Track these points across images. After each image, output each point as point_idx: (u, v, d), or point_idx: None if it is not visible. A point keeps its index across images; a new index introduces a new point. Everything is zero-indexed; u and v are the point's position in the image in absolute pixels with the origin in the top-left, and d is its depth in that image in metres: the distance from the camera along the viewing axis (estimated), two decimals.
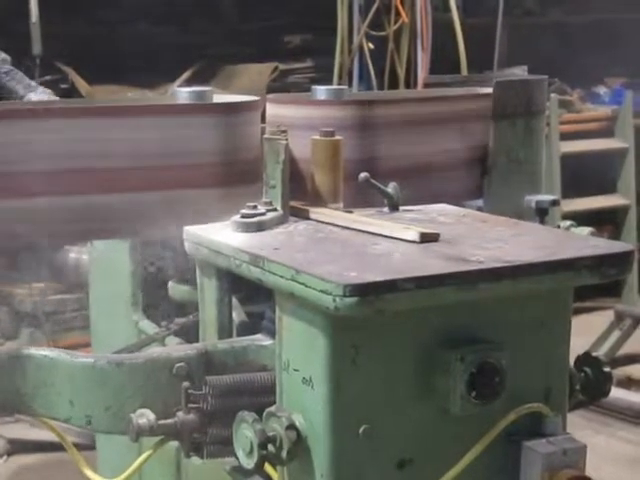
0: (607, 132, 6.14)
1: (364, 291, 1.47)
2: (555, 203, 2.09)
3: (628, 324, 4.81)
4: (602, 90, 6.41)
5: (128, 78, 4.07)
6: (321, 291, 1.48)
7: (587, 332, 3.82)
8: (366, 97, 2.66)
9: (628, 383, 4.44)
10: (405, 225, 1.79)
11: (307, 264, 1.55)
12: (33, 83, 3.07)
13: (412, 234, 1.74)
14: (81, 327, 2.40)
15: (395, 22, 5.10)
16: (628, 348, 4.79)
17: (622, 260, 1.72)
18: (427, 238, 1.74)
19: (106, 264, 2.23)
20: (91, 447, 2.35)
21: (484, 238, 1.78)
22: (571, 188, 5.09)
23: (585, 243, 1.80)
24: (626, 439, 4.10)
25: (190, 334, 1.93)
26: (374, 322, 1.54)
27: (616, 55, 6.10)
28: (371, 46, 5.10)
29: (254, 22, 5.46)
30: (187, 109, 1.93)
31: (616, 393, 4.08)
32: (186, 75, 4.73)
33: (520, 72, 4.76)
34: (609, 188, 6.16)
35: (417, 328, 1.59)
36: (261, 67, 4.93)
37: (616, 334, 4.77)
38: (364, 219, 1.86)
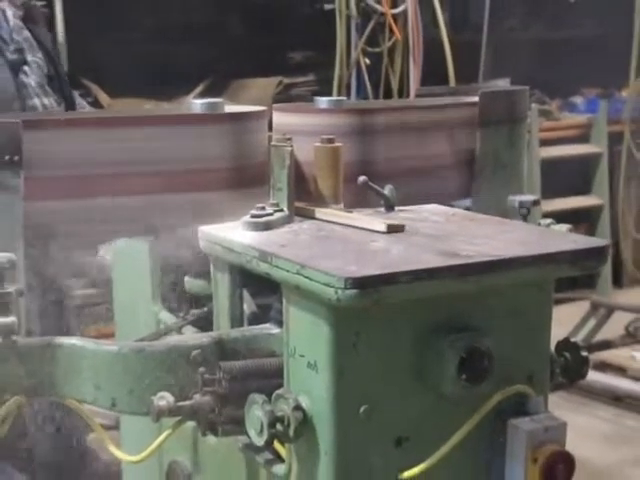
0: (583, 138, 6.14)
1: (363, 284, 1.47)
2: (536, 203, 2.08)
3: (602, 313, 4.81)
4: (578, 100, 6.41)
5: (145, 92, 4.07)
6: (324, 284, 1.48)
7: (565, 321, 3.80)
8: (363, 106, 2.65)
9: (603, 367, 4.44)
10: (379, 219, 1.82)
11: (311, 259, 1.55)
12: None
13: (381, 226, 1.78)
14: (106, 319, 2.40)
15: (389, 39, 5.11)
16: (603, 335, 4.79)
17: (598, 254, 1.72)
18: (393, 229, 1.78)
19: (128, 262, 2.23)
20: (115, 427, 2.34)
21: (472, 235, 1.78)
22: (550, 189, 5.09)
23: (564, 239, 1.80)
24: (602, 418, 4.11)
25: (205, 324, 1.93)
26: (373, 312, 1.54)
27: (591, 68, 6.10)
28: (367, 61, 5.10)
29: (260, 40, 5.45)
30: (202, 119, 1.93)
31: (592, 376, 4.07)
32: (199, 88, 4.74)
33: (503, 84, 4.77)
34: (585, 189, 6.16)
35: (412, 317, 1.59)
36: (267, 81, 4.93)
37: (592, 322, 4.77)
38: (347, 215, 1.89)
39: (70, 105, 3.27)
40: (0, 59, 3.06)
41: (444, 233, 1.79)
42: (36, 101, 3.13)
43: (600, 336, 4.79)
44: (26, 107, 3.06)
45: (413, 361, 1.60)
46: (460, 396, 1.60)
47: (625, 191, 6.13)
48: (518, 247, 1.69)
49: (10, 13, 3.17)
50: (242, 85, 5.01)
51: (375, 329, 1.57)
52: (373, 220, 1.83)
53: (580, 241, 1.76)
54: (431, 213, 1.99)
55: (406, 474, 1.59)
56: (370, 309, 1.53)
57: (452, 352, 1.57)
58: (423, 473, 1.59)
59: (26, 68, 3.11)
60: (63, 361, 1.69)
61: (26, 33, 3.19)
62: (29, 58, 3.14)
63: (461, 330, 1.60)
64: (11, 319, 1.64)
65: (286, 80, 4.98)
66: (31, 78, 3.12)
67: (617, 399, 4.28)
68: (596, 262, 1.73)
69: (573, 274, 1.71)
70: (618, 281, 6.12)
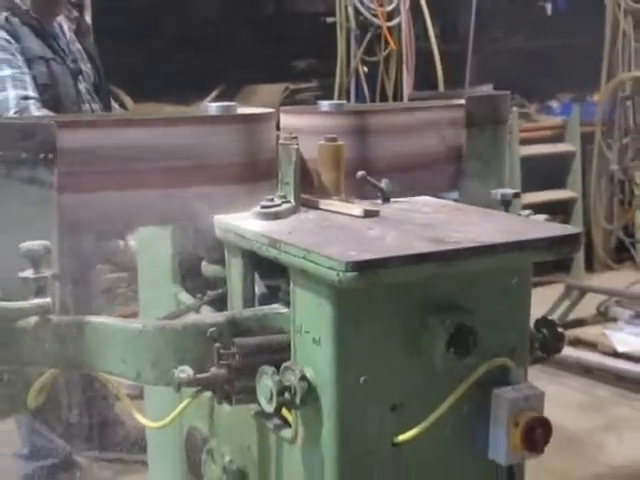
0: (558, 138, 6.14)
1: (362, 267, 1.47)
2: (516, 195, 2.07)
3: (576, 295, 4.82)
4: (554, 104, 6.41)
5: (165, 97, 4.06)
6: (327, 267, 1.49)
7: (543, 302, 3.80)
8: (361, 109, 2.65)
9: (576, 343, 4.45)
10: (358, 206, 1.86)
11: (315, 246, 1.55)
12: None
13: (358, 210, 1.82)
14: (131, 300, 2.40)
15: (385, 49, 5.10)
16: (576, 314, 4.80)
17: (573, 240, 1.72)
18: (369, 214, 1.81)
19: (151, 248, 2.23)
20: (140, 397, 2.34)
21: (460, 223, 1.78)
22: (529, 184, 5.08)
23: (542, 227, 1.80)
24: (575, 388, 4.11)
25: (220, 304, 1.93)
26: (371, 292, 1.54)
27: (566, 75, 6.10)
28: (365, 69, 5.09)
29: (268, 50, 5.45)
30: (218, 119, 1.93)
31: (566, 351, 4.07)
32: (214, 94, 4.73)
33: (487, 89, 4.74)
34: (560, 184, 6.16)
35: (406, 297, 1.59)
36: (274, 87, 4.92)
37: (566, 303, 4.78)
38: (336, 203, 1.90)
39: (109, 110, 3.28)
40: (64, 67, 3.07)
41: (434, 222, 1.79)
42: (87, 107, 3.14)
43: (574, 315, 4.79)
44: (82, 110, 3.06)
45: (407, 336, 1.60)
46: (449, 368, 1.60)
47: (596, 186, 6.13)
48: (500, 234, 1.69)
49: (66, 27, 3.19)
50: (252, 91, 5.00)
51: (373, 308, 1.57)
52: (353, 207, 1.85)
53: (556, 229, 1.76)
54: (422, 204, 1.99)
55: (400, 437, 1.60)
56: (368, 290, 1.53)
57: (442, 329, 1.57)
58: (416, 436, 1.60)
59: (81, 78, 3.12)
60: (93, 338, 1.69)
61: (78, 45, 3.20)
62: (83, 68, 3.15)
63: (450, 309, 1.61)
64: (46, 300, 1.65)
65: (292, 86, 4.97)
66: (83, 85, 3.13)
67: (588, 371, 4.28)
68: (570, 248, 1.73)
69: (550, 259, 1.71)
70: (590, 266, 6.11)
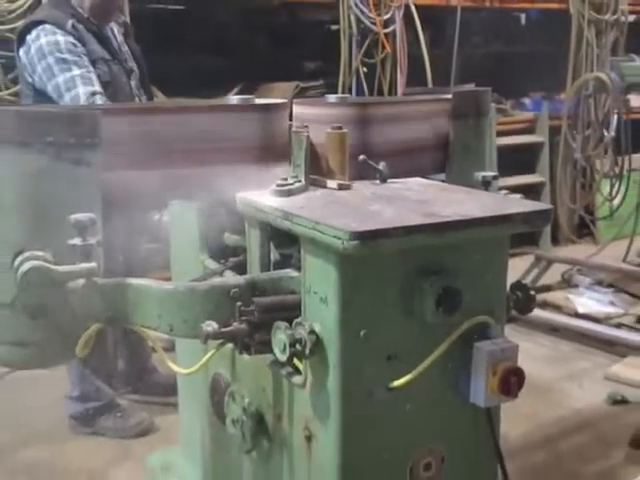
0: (530, 130, 6.12)
1: (363, 237, 1.46)
2: (495, 178, 2.06)
3: (544, 265, 4.81)
4: (527, 101, 6.38)
5: (192, 93, 4.03)
6: (333, 237, 1.48)
7: (515, 270, 3.78)
8: (362, 101, 2.64)
9: (544, 305, 4.45)
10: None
11: (323, 218, 1.54)
12: None
13: (333, 184, 1.87)
14: (164, 267, 2.40)
15: (382, 52, 5.08)
16: (544, 281, 4.80)
17: (544, 215, 1.71)
18: (342, 187, 1.86)
19: (181, 220, 2.22)
20: (172, 349, 2.34)
21: (447, 200, 1.77)
22: (504, 169, 5.05)
23: (518, 204, 1.79)
24: (542, 344, 4.12)
25: (241, 269, 1.93)
26: (371, 258, 1.54)
27: (537, 76, 6.08)
28: (365, 70, 5.07)
29: (282, 53, 5.42)
30: (240, 108, 1.91)
31: (535, 312, 4.08)
32: (235, 90, 4.70)
33: (469, 87, 4.74)
34: (531, 170, 6.15)
35: (401, 263, 1.59)
36: (287, 85, 4.89)
37: (535, 271, 4.77)
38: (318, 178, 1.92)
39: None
40: (120, 67, 3.09)
41: (425, 199, 1.78)
42: (137, 100, 3.15)
43: (542, 282, 4.78)
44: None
45: (401, 297, 1.60)
46: (437, 324, 1.59)
47: (562, 171, 6.11)
48: (483, 210, 1.68)
49: (116, 30, 3.18)
50: (267, 88, 4.97)
51: (372, 272, 1.57)
52: (332, 182, 1.89)
53: (530, 205, 1.75)
54: (415, 184, 1.98)
55: (394, 383, 1.60)
56: (368, 256, 1.52)
57: (431, 290, 1.57)
58: (408, 383, 1.59)
59: (132, 75, 3.13)
60: (133, 297, 1.69)
61: (125, 46, 3.20)
62: (133, 67, 3.16)
63: (438, 273, 1.60)
64: (93, 264, 1.64)
65: (302, 84, 4.94)
66: (134, 82, 3.14)
67: (554, 330, 4.28)
68: (542, 221, 1.73)
69: (524, 231, 1.70)
70: (555, 240, 6.11)
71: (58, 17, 2.91)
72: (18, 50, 2.97)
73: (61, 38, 2.87)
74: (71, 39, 2.88)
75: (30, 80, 2.95)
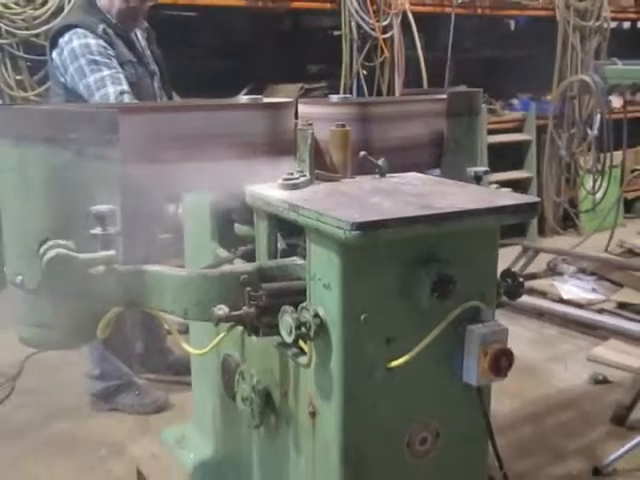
0: (518, 129, 6.11)
1: (364, 227, 1.46)
2: (487, 172, 2.05)
3: (530, 254, 4.81)
4: (515, 101, 6.36)
5: (204, 93, 4.02)
6: (336, 227, 1.48)
7: (504, 259, 3.77)
8: (364, 100, 2.63)
9: (530, 292, 4.44)
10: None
11: (327, 210, 1.54)
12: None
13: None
14: (178, 255, 2.40)
15: (381, 56, 5.07)
16: (530, 269, 4.79)
17: (532, 207, 1.70)
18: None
19: (194, 212, 2.21)
20: (186, 332, 2.34)
21: (442, 193, 1.76)
22: (495, 165, 5.06)
23: (508, 196, 1.78)
24: (528, 328, 4.13)
25: (249, 257, 1.92)
26: (371, 247, 1.53)
27: (525, 79, 6.07)
28: (365, 72, 5.05)
29: (287, 56, 5.41)
30: (249, 106, 1.91)
31: (523, 298, 4.08)
32: (244, 91, 4.69)
33: (462, 89, 4.74)
34: (519, 166, 6.13)
35: (399, 251, 1.58)
36: (292, 86, 4.88)
37: (523, 260, 4.77)
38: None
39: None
40: (144, 69, 3.10)
41: (421, 192, 1.77)
42: (158, 100, 3.16)
43: (529, 270, 4.78)
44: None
45: (399, 283, 1.59)
46: (432, 309, 1.59)
47: (548, 167, 6.10)
48: (475, 202, 1.67)
49: (140, 35, 3.18)
50: (274, 89, 4.96)
51: (372, 260, 1.56)
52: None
53: (519, 198, 1.74)
54: (412, 178, 1.97)
55: (393, 364, 1.59)
56: (369, 245, 1.51)
57: (427, 277, 1.57)
58: (405, 363, 1.59)
59: (155, 77, 3.14)
60: (150, 282, 1.69)
61: (148, 50, 3.20)
62: (155, 70, 3.17)
63: (433, 261, 1.59)
64: (112, 252, 1.64)
65: (306, 86, 4.92)
66: (156, 84, 3.14)
67: (540, 315, 4.28)
68: (530, 213, 1.71)
69: (513, 222, 1.70)
70: (542, 231, 6.10)
71: (90, 22, 2.93)
72: (51, 52, 2.98)
73: (92, 41, 2.88)
74: (102, 42, 2.90)
75: (62, 80, 2.96)
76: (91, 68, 2.85)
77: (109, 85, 2.83)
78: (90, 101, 2.87)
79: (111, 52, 2.91)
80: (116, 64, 2.91)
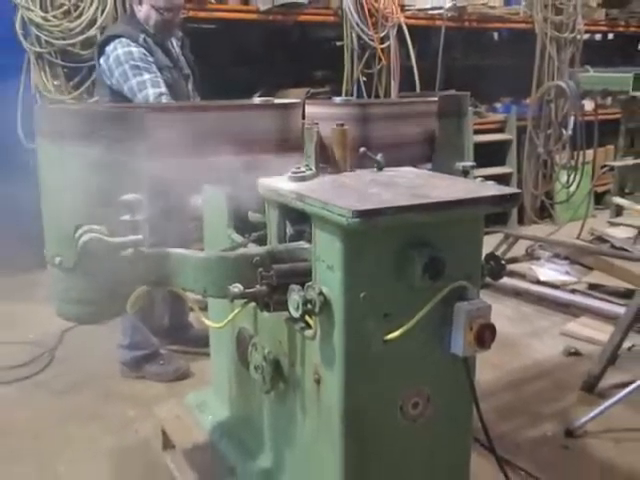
0: (500, 129, 6.08)
1: (364, 215, 1.45)
2: (473, 167, 2.05)
3: (511, 241, 4.78)
4: (498, 105, 6.32)
5: (222, 97, 4.00)
6: (339, 215, 1.47)
7: (487, 246, 3.77)
8: (364, 102, 2.62)
9: (510, 274, 4.42)
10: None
11: (330, 199, 1.53)
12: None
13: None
14: (198, 240, 2.38)
15: (378, 64, 5.04)
16: (511, 254, 4.76)
17: (514, 198, 1.69)
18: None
19: (212, 202, 2.20)
20: (205, 309, 2.33)
21: (433, 185, 1.75)
22: (480, 161, 5.04)
23: (492, 188, 1.76)
24: (509, 306, 4.12)
25: (261, 241, 1.92)
26: (370, 233, 1.53)
27: (507, 84, 6.05)
28: (364, 78, 5.03)
29: (295, 64, 5.38)
30: (262, 107, 1.91)
31: (504, 280, 4.08)
32: (256, 95, 4.67)
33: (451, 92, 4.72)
34: (501, 162, 6.10)
35: (395, 236, 1.57)
36: (299, 90, 4.85)
37: (504, 246, 4.74)
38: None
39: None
40: (179, 73, 3.12)
41: (415, 184, 1.76)
42: (191, 100, 3.18)
43: (509, 255, 4.76)
44: None
45: (394, 265, 1.58)
46: (424, 287, 1.58)
47: (527, 163, 6.07)
48: (463, 193, 1.65)
49: (175, 43, 3.20)
50: (283, 94, 4.93)
51: (371, 244, 1.55)
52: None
53: (502, 189, 1.72)
54: (407, 172, 1.95)
55: (389, 336, 1.59)
56: (368, 231, 1.51)
57: (420, 259, 1.56)
58: (400, 336, 1.59)
59: (189, 80, 3.15)
60: (173, 264, 1.69)
61: (182, 57, 3.21)
62: (189, 74, 3.17)
63: (425, 245, 1.58)
64: (140, 236, 1.64)
65: (312, 90, 4.90)
66: (190, 86, 3.16)
67: (519, 294, 4.27)
68: (512, 203, 1.70)
69: (497, 211, 1.68)
70: (521, 220, 6.07)
71: (132, 32, 2.97)
72: (98, 58, 3.03)
73: (134, 49, 2.92)
74: (142, 50, 2.93)
75: (108, 83, 2.99)
76: (134, 72, 2.88)
77: (149, 87, 2.86)
78: (134, 101, 2.91)
79: (150, 59, 2.94)
80: (155, 69, 2.94)
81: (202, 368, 3.12)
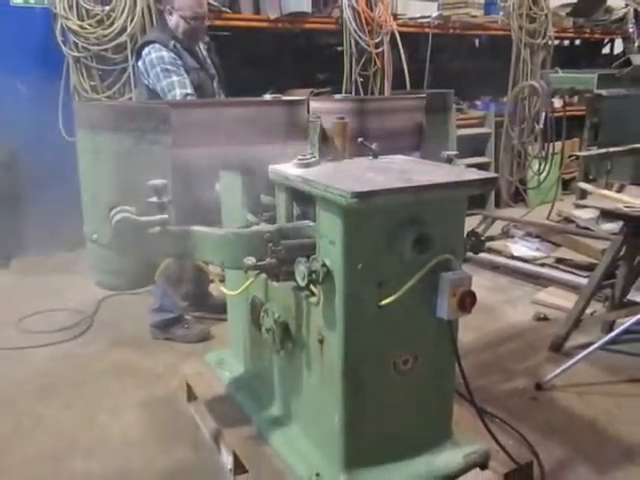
0: (480, 124, 6.01)
1: (361, 196, 1.45)
2: (456, 156, 2.02)
3: (489, 221, 4.76)
4: (478, 103, 6.25)
5: (236, 96, 3.96)
6: (339, 196, 1.46)
7: (468, 225, 3.74)
8: (360, 98, 2.59)
9: (488, 250, 4.39)
10: None
11: (332, 183, 1.52)
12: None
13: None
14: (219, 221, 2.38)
15: (374, 67, 4.98)
16: (489, 233, 4.73)
17: (491, 181, 1.70)
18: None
19: (229, 187, 2.19)
20: (223, 280, 2.32)
21: (422, 171, 1.74)
22: (462, 152, 5.00)
23: (473, 173, 1.75)
24: (487, 278, 4.10)
25: (272, 221, 1.91)
26: (366, 212, 1.52)
27: (487, 84, 5.99)
28: (361, 80, 4.97)
29: (301, 67, 5.33)
30: (272, 103, 1.90)
31: (482, 255, 4.09)
32: (268, 93, 4.63)
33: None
34: (480, 153, 6.04)
35: (388, 215, 1.57)
36: (304, 90, 4.79)
37: (483, 226, 4.72)
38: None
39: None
40: (206, 74, 3.10)
41: (405, 169, 1.75)
42: (217, 97, 3.16)
43: (487, 234, 4.73)
44: None
45: (387, 240, 1.58)
46: (414, 260, 1.58)
47: (503, 154, 6.01)
48: (448, 177, 1.65)
49: (202, 46, 3.18)
50: (290, 93, 4.88)
51: (367, 221, 1.55)
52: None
53: (482, 174, 1.71)
54: (398, 159, 1.94)
55: (383, 302, 1.59)
56: (365, 210, 1.50)
57: (409, 235, 1.56)
58: (393, 302, 1.58)
59: (215, 80, 3.13)
60: (195, 239, 1.68)
61: (209, 59, 3.20)
62: (214, 74, 3.16)
63: (415, 223, 1.58)
64: (166, 216, 1.64)
65: (315, 90, 4.84)
66: (216, 86, 3.14)
67: (495, 268, 4.25)
68: (490, 186, 1.70)
69: (477, 193, 1.68)
70: (497, 204, 6.01)
71: (163, 39, 2.96)
72: (136, 61, 3.03)
73: (165, 54, 2.91)
74: (173, 55, 2.92)
75: (145, 82, 2.99)
76: (164, 75, 2.88)
77: (177, 88, 2.86)
78: (165, 99, 2.91)
79: (179, 62, 2.93)
80: (183, 72, 2.93)
81: (221, 331, 3.11)
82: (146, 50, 2.94)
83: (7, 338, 3.14)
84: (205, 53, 3.21)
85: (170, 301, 3.17)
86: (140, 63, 2.98)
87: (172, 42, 2.94)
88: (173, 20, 3.02)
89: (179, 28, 3.01)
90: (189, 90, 2.88)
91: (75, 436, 2.33)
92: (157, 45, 2.92)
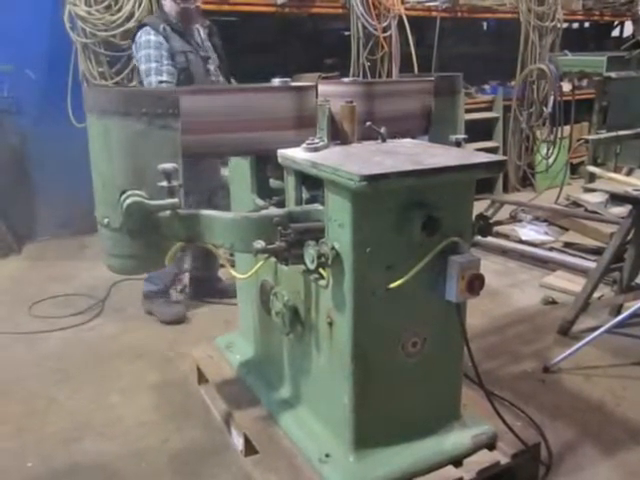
0: (489, 108, 5.96)
1: (369, 179, 1.45)
2: (465, 139, 2.01)
3: (497, 206, 4.74)
4: (486, 87, 6.19)
5: (244, 81, 3.94)
6: (348, 179, 1.46)
7: (477, 209, 3.73)
8: (368, 81, 2.56)
9: (497, 235, 4.38)
10: None
11: (341, 166, 1.52)
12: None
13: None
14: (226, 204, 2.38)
15: (381, 51, 4.94)
16: (497, 217, 4.72)
17: (500, 164, 1.68)
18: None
19: (238, 171, 2.19)
20: (232, 266, 2.33)
21: (430, 154, 1.73)
22: (470, 136, 4.96)
23: (482, 156, 1.74)
24: (495, 262, 4.09)
25: (281, 205, 1.91)
26: (375, 195, 1.52)
27: (494, 69, 5.94)
28: (369, 64, 4.93)
29: (309, 52, 5.30)
30: (280, 88, 1.88)
31: (490, 239, 4.09)
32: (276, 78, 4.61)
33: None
34: (489, 137, 6.00)
35: (397, 198, 1.57)
36: (313, 75, 4.76)
37: (491, 210, 4.70)
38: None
39: (229, 82, 3.31)
40: (197, 56, 3.06)
41: (414, 153, 1.74)
42: (214, 79, 3.14)
43: (496, 218, 4.71)
44: (210, 82, 3.09)
45: (396, 223, 1.58)
46: (422, 243, 1.58)
47: (512, 138, 5.96)
48: (457, 160, 1.64)
49: (201, 31, 3.16)
50: (298, 78, 4.85)
51: (376, 205, 1.55)
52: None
53: (491, 157, 1.70)
54: (406, 142, 1.94)
55: (391, 285, 1.59)
56: (373, 193, 1.50)
57: (418, 218, 1.56)
58: (401, 285, 1.59)
59: (210, 61, 3.11)
60: (205, 223, 1.69)
61: (208, 43, 3.18)
62: (211, 56, 3.13)
63: (423, 206, 1.58)
64: (176, 200, 1.64)
65: (323, 75, 4.81)
66: (211, 67, 3.12)
67: (504, 252, 4.24)
68: (498, 169, 1.69)
69: (485, 176, 1.68)
70: (505, 188, 5.99)
71: (155, 22, 2.97)
72: (132, 44, 3.06)
73: (153, 38, 2.91)
74: (160, 39, 2.92)
75: (137, 65, 3.03)
76: (145, 59, 2.90)
77: (153, 75, 2.87)
78: (143, 82, 2.94)
79: (165, 46, 2.92)
80: (165, 58, 2.91)
81: (231, 315, 3.13)
82: (138, 33, 2.97)
83: (20, 323, 3.17)
84: (204, 36, 3.20)
85: (158, 274, 3.16)
86: (133, 46, 3.03)
87: (162, 25, 2.94)
88: (167, 3, 3.03)
89: (172, 11, 3.03)
90: (164, 77, 2.89)
91: (88, 417, 2.36)
92: (147, 28, 2.94)
